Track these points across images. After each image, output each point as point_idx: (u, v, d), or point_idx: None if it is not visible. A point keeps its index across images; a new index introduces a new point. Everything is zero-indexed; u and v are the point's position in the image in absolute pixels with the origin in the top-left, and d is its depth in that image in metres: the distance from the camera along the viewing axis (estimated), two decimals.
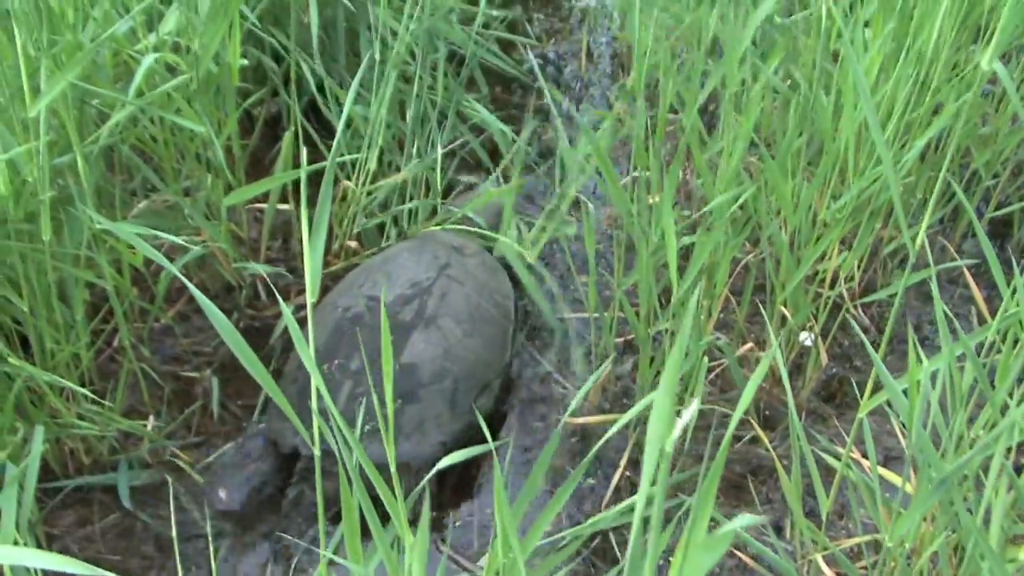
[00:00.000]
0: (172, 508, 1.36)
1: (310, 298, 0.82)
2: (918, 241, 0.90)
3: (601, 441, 1.03)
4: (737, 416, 0.61)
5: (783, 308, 1.41)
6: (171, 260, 1.59)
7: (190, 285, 0.79)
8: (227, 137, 1.44)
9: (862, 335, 1.15)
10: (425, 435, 1.31)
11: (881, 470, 1.28)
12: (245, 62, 1.39)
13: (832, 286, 1.51)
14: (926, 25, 1.26)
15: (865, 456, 1.44)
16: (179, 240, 1.30)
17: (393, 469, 0.85)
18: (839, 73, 1.29)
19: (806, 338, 1.58)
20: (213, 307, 0.76)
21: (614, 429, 0.97)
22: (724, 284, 1.35)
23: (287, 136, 1.51)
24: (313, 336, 0.75)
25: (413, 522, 1.14)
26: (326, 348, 1.35)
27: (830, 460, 1.28)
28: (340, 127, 1.07)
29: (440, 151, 1.83)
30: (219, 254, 1.56)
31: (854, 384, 1.59)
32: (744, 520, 0.50)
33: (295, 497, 1.39)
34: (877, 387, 1.04)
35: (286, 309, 0.78)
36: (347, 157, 1.61)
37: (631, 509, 1.12)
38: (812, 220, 1.34)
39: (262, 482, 1.34)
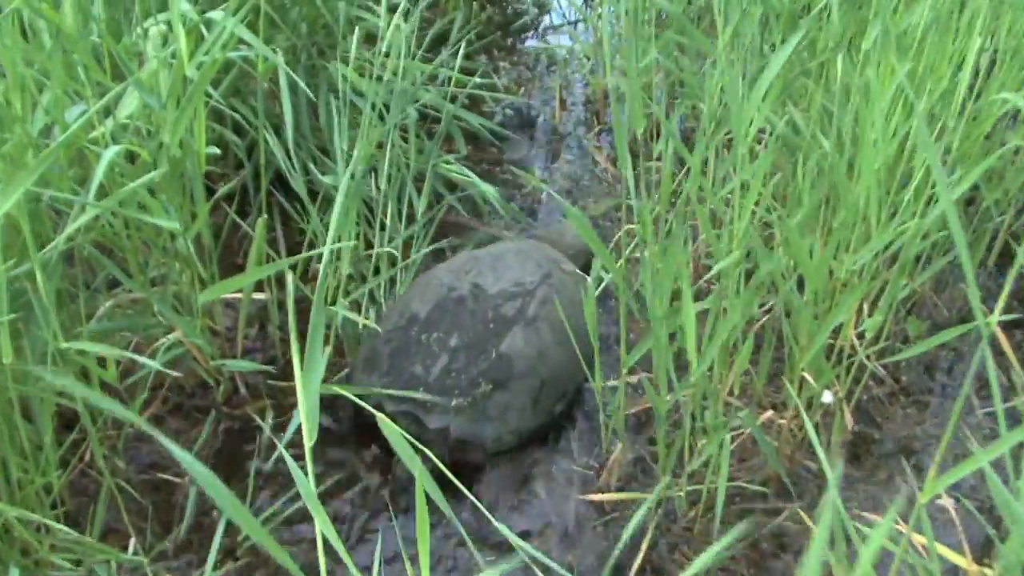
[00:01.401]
0: None
1: (308, 443, 0.74)
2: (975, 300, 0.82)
3: (627, 533, 0.92)
4: None
5: (805, 374, 1.33)
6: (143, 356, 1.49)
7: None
8: (196, 232, 1.33)
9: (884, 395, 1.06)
10: (506, 423, 1.40)
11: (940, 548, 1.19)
12: (216, 151, 1.29)
13: (853, 346, 1.42)
14: (940, 62, 1.19)
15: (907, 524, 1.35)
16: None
17: None
18: (856, 117, 1.22)
19: (827, 397, 1.49)
20: (188, 457, 0.68)
21: (638, 518, 0.88)
22: (747, 358, 1.26)
23: (260, 224, 1.40)
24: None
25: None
26: (428, 319, 1.45)
27: (886, 543, 1.19)
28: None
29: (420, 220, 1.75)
30: (194, 350, 1.44)
31: (879, 443, 1.51)
32: None
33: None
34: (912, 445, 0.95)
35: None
36: (324, 249, 1.51)
37: None
38: (830, 277, 1.26)
39: None
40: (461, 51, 2.07)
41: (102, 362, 1.39)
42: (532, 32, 2.63)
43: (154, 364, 1.21)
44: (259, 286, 1.57)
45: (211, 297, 1.25)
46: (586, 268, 1.75)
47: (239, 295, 1.56)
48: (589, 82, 2.34)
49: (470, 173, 1.85)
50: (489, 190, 1.81)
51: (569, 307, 1.50)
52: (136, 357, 1.13)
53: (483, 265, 1.53)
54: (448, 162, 1.85)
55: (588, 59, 2.36)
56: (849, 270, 1.22)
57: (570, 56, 2.42)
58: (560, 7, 2.66)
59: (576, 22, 2.63)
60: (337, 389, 1.18)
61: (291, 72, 1.46)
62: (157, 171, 1.14)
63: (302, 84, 1.53)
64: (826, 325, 1.24)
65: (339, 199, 1.00)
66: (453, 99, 2.07)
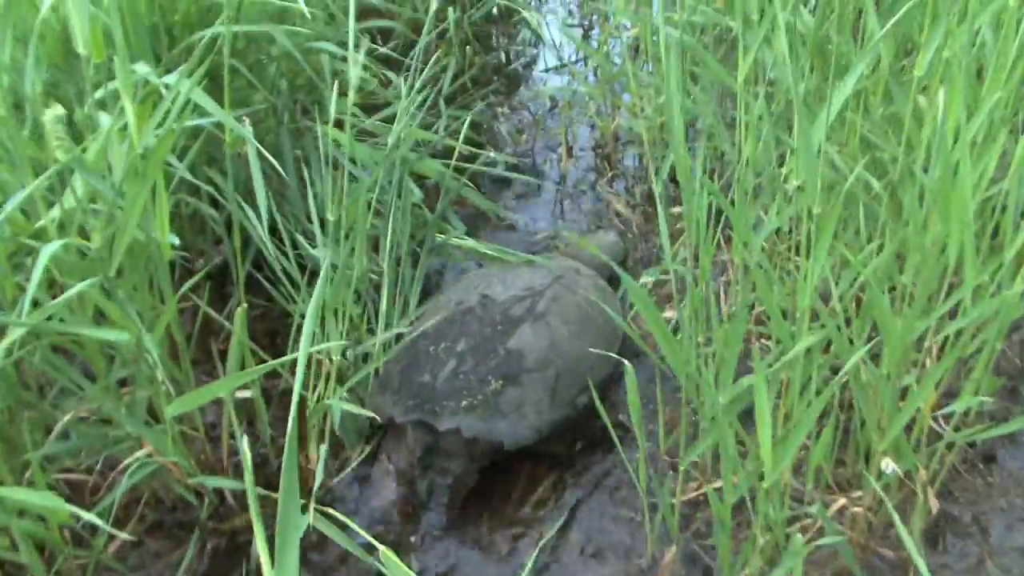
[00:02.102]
0: None
1: None
2: None
3: None
4: None
5: (887, 459, 1.13)
6: (112, 474, 1.30)
7: None
8: (165, 328, 1.14)
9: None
10: (523, 417, 1.34)
11: None
12: (175, 240, 1.10)
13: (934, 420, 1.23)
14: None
15: None
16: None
17: None
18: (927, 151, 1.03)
19: (888, 467, 1.28)
20: None
21: None
22: (824, 453, 1.06)
23: (239, 316, 1.21)
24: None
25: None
26: (436, 333, 1.42)
27: None
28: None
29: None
30: (169, 465, 1.25)
31: (959, 521, 1.31)
32: None
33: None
34: None
35: None
36: (316, 347, 1.32)
37: None
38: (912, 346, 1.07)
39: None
40: (467, 121, 1.87)
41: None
42: (529, 75, 2.46)
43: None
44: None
45: (180, 411, 1.06)
46: (609, 283, 1.66)
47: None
48: (596, 124, 2.16)
49: (480, 245, 1.67)
50: (510, 253, 1.62)
51: (579, 305, 1.47)
52: (83, 515, 0.93)
53: (493, 279, 1.52)
54: (455, 235, 1.68)
55: (591, 99, 2.18)
56: (935, 337, 1.03)
57: (573, 98, 2.24)
58: (556, 47, 2.49)
59: (576, 61, 2.46)
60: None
61: (260, 145, 1.27)
62: (99, 270, 0.94)
63: (273, 160, 1.34)
64: (912, 402, 1.05)
65: (318, 287, 0.81)
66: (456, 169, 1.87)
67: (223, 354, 1.55)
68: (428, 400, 1.34)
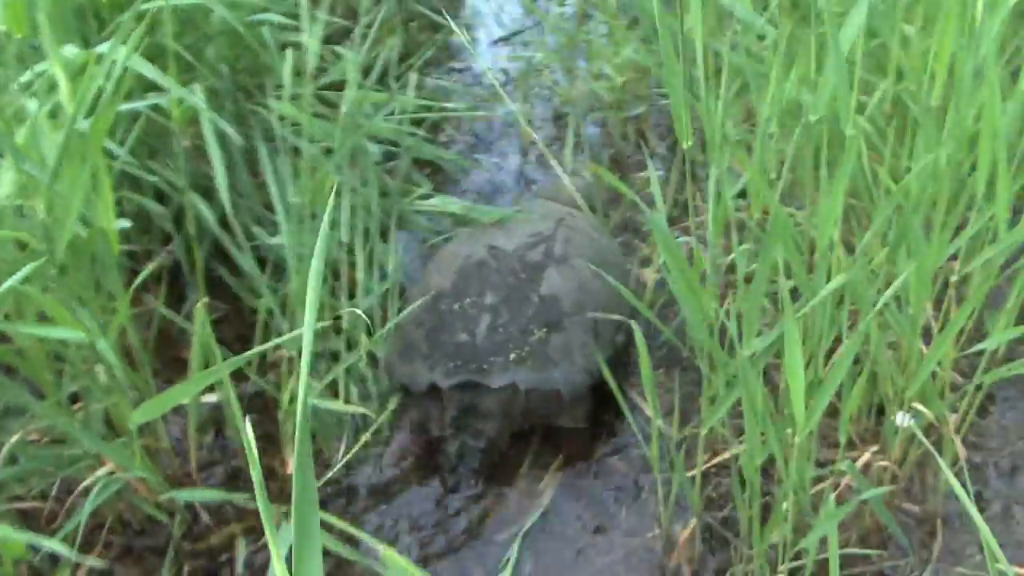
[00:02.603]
0: None
1: None
2: None
3: None
4: None
5: (916, 405, 1.05)
6: (69, 499, 1.17)
7: None
8: (119, 330, 1.02)
9: None
10: (573, 363, 1.30)
11: None
12: (125, 223, 0.98)
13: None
14: None
15: None
16: None
17: None
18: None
19: (903, 420, 1.21)
20: None
21: None
22: (856, 403, 0.98)
23: (199, 312, 1.08)
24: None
25: None
26: (455, 289, 1.35)
27: None
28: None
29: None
30: (135, 483, 1.13)
31: (986, 468, 1.25)
32: None
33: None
34: None
35: None
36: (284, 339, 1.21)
37: None
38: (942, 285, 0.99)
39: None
40: (413, 80, 1.79)
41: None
42: (477, 48, 2.35)
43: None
44: (209, 385, 1.26)
45: (145, 419, 0.95)
46: None
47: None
48: (555, 93, 2.07)
49: (456, 200, 1.56)
50: (485, 211, 1.52)
51: (592, 245, 1.43)
52: (44, 543, 0.81)
53: (492, 230, 1.46)
54: (422, 197, 1.57)
55: (546, 68, 2.09)
56: (961, 273, 0.96)
57: (527, 68, 2.14)
58: (499, 17, 2.39)
59: (521, 32, 2.36)
60: None
61: (216, 117, 1.16)
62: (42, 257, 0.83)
63: (230, 131, 1.23)
64: (942, 342, 0.97)
65: (314, 268, 0.71)
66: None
67: (183, 362, 1.44)
68: (472, 359, 1.27)
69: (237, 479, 1.30)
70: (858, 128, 0.93)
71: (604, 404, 1.34)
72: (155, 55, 1.47)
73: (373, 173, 1.53)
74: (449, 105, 1.94)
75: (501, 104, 2.08)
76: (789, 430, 0.92)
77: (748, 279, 1.00)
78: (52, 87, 1.05)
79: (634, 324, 1.06)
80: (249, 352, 0.78)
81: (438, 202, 1.60)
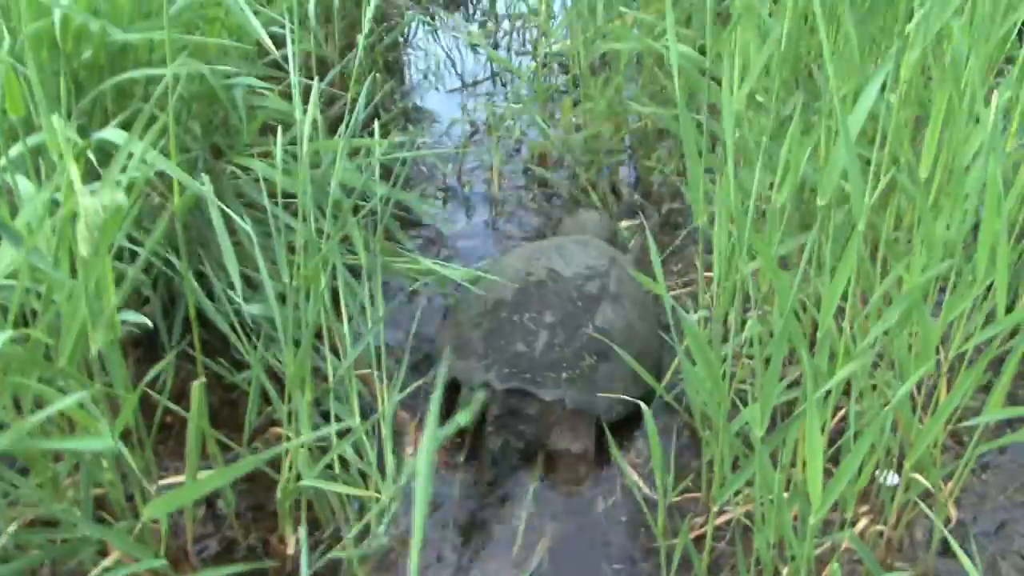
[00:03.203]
0: None
1: None
2: None
3: None
4: None
5: (915, 475, 1.09)
6: None
7: None
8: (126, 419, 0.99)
9: None
10: (615, 392, 1.41)
11: None
12: (142, 319, 0.96)
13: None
14: None
15: None
16: None
17: None
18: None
19: (893, 479, 1.25)
20: None
21: None
22: (866, 480, 1.01)
23: (196, 393, 1.06)
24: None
25: None
26: (515, 302, 1.47)
27: None
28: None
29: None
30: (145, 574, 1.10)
31: (971, 524, 1.29)
32: None
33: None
34: None
35: None
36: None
37: None
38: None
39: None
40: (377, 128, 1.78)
41: None
42: (441, 99, 2.36)
43: None
44: (204, 456, 1.23)
45: (160, 513, 0.93)
46: None
47: (180, 478, 1.23)
48: (524, 144, 2.08)
49: (431, 263, 1.56)
50: (457, 272, 1.52)
51: (637, 290, 1.56)
52: None
53: (550, 253, 1.57)
54: (401, 252, 1.56)
55: (512, 120, 2.11)
56: (959, 350, 1.00)
57: (495, 120, 2.16)
58: (457, 66, 2.40)
59: (483, 80, 2.38)
60: None
61: (225, 208, 1.14)
62: (36, 368, 0.80)
63: (237, 219, 1.20)
64: (940, 416, 1.01)
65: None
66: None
67: (167, 426, 1.42)
68: (528, 370, 1.39)
69: (232, 551, 1.28)
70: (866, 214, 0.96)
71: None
72: (131, 120, 1.47)
73: (356, 227, 1.52)
74: (423, 153, 1.94)
75: (470, 154, 2.09)
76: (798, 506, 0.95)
77: (759, 358, 1.02)
78: (49, 167, 1.03)
79: (644, 407, 1.08)
80: (264, 455, 0.77)
81: (411, 260, 1.61)
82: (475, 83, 2.38)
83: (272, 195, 1.53)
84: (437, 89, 2.39)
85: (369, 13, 1.70)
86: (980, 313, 1.06)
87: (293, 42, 1.06)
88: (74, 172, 0.82)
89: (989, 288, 1.02)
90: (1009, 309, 1.00)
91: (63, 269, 0.96)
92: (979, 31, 1.05)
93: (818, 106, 1.26)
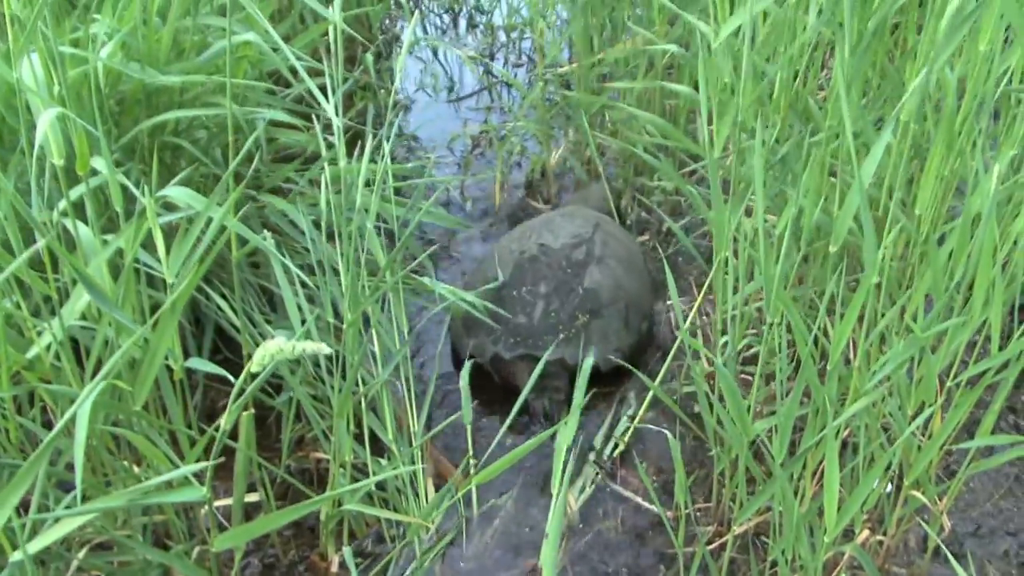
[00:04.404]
0: None
1: None
2: None
3: None
4: None
5: (915, 492, 1.19)
6: None
7: None
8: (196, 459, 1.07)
9: None
10: (608, 344, 1.62)
11: None
12: (217, 370, 1.03)
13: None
14: None
15: None
16: None
17: None
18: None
19: (884, 486, 1.35)
20: None
21: None
22: (873, 501, 1.11)
23: (245, 421, 1.12)
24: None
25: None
26: (512, 279, 1.66)
27: None
28: None
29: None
30: None
31: (960, 531, 1.39)
32: None
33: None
34: None
35: None
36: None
37: None
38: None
39: None
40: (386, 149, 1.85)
41: None
42: (433, 111, 2.42)
43: None
44: (251, 487, 1.31)
45: (227, 546, 1.01)
46: None
47: (228, 501, 1.30)
48: (527, 159, 2.16)
49: (445, 287, 1.63)
50: (467, 298, 1.60)
51: (622, 248, 1.74)
52: None
53: (540, 229, 1.74)
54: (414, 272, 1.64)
55: (512, 136, 2.18)
56: (954, 381, 1.10)
57: (494, 132, 2.23)
58: (454, 80, 2.47)
59: (474, 93, 2.45)
60: None
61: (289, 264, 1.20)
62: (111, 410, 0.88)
63: (293, 269, 1.26)
64: (936, 440, 1.11)
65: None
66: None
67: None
68: (529, 336, 1.60)
69: (274, 569, 1.36)
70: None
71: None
72: (164, 150, 1.54)
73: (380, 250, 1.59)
74: (435, 180, 2.01)
75: (473, 170, 2.17)
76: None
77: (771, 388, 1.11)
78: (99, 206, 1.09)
79: (671, 437, 1.18)
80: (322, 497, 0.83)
81: (428, 282, 1.68)
82: (472, 94, 2.45)
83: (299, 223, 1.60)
84: (435, 100, 2.45)
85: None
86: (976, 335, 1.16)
87: (333, 91, 1.12)
88: (158, 237, 0.89)
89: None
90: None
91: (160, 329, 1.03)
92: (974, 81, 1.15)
93: (816, 140, 1.35)
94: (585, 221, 1.76)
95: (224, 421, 0.77)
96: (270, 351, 0.64)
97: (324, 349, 0.65)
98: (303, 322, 1.21)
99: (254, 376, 0.70)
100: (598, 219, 1.78)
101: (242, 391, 0.74)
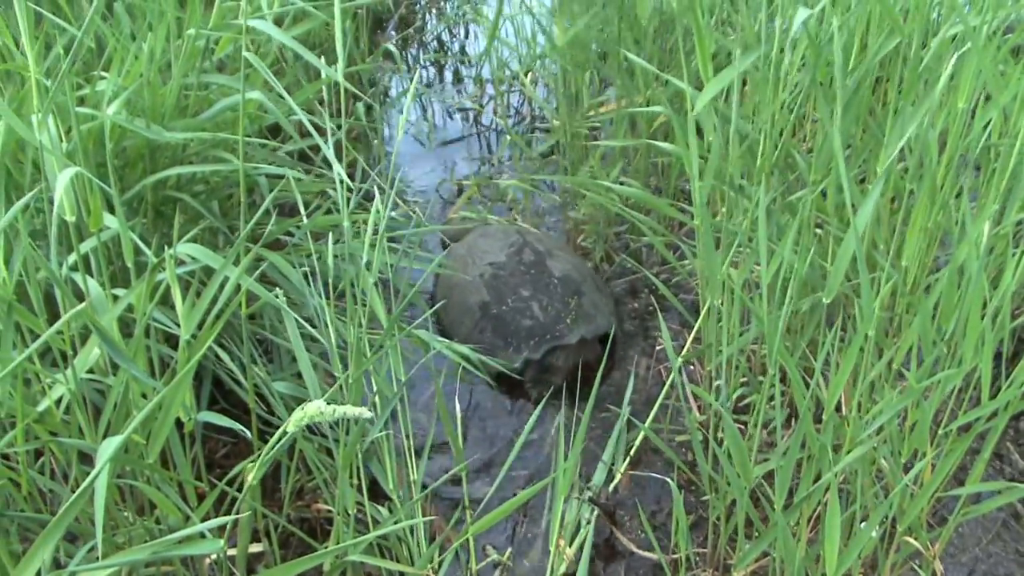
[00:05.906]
0: None
1: None
2: None
3: None
4: None
5: (908, 539, 1.22)
6: None
7: None
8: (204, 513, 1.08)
9: None
10: (602, 315, 1.80)
11: None
12: (224, 422, 1.05)
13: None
14: None
15: None
16: None
17: None
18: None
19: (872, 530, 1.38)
20: None
21: None
22: (869, 549, 1.14)
23: (249, 474, 1.14)
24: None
25: None
26: (494, 297, 1.79)
27: None
28: None
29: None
30: None
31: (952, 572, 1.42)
32: None
33: None
34: None
35: None
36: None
37: None
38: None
39: None
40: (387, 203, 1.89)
41: None
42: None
43: None
44: (255, 536, 1.32)
45: None
46: None
47: (232, 552, 1.31)
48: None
49: (442, 341, 1.66)
50: (456, 347, 1.62)
51: (551, 241, 1.95)
52: None
53: (474, 255, 1.88)
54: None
55: (503, 184, 2.23)
56: (946, 430, 1.13)
57: (482, 178, 2.27)
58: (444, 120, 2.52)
59: (474, 135, 2.50)
60: None
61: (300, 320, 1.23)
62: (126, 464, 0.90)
63: (297, 319, 1.28)
64: (928, 489, 1.14)
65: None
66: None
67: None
68: (547, 332, 1.73)
69: None
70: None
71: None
72: (166, 204, 1.56)
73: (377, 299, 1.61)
74: (426, 230, 2.05)
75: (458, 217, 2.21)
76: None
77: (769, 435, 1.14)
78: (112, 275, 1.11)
79: (674, 486, 1.20)
80: (326, 551, 0.84)
81: (426, 337, 1.71)
82: (460, 139, 2.50)
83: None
84: (423, 146, 2.50)
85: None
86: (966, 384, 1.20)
87: (339, 160, 1.16)
88: (177, 296, 0.92)
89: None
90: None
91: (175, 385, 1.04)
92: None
93: (800, 196, 1.40)
94: (505, 234, 1.92)
95: (252, 476, 0.79)
96: (310, 413, 0.66)
97: (365, 413, 0.67)
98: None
99: (283, 434, 0.72)
100: (516, 229, 1.94)
101: (261, 447, 0.76)
